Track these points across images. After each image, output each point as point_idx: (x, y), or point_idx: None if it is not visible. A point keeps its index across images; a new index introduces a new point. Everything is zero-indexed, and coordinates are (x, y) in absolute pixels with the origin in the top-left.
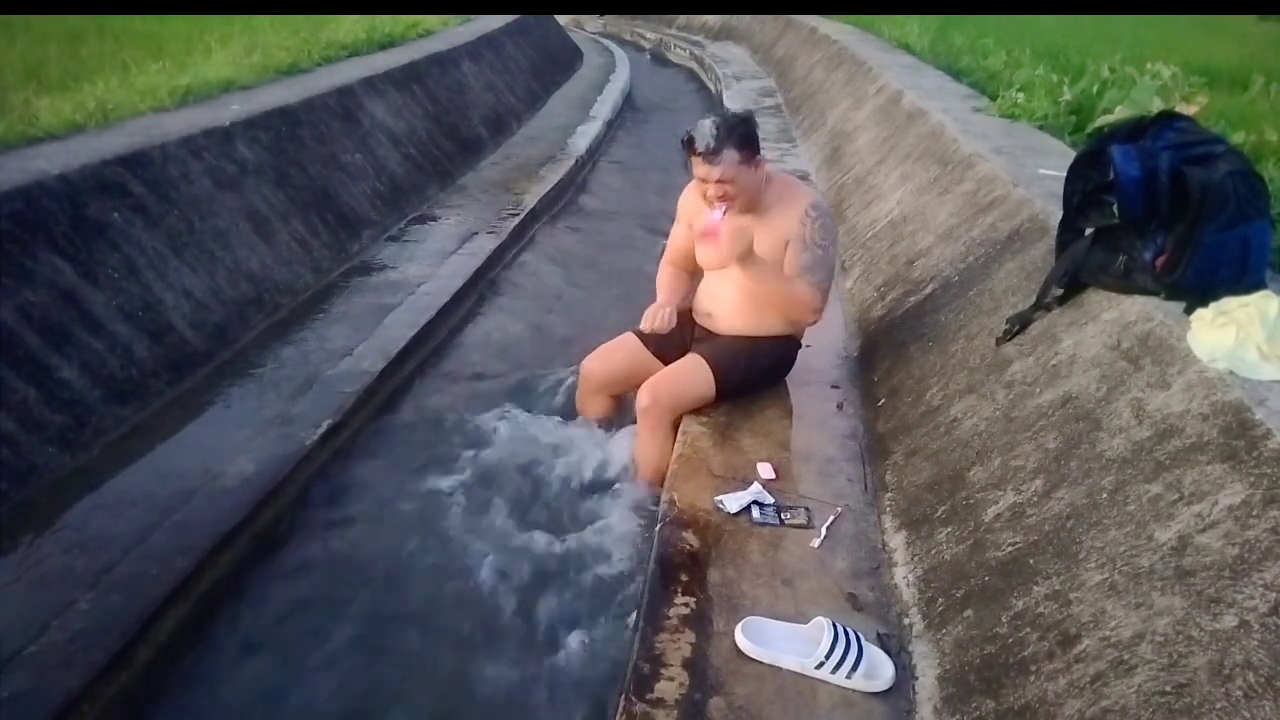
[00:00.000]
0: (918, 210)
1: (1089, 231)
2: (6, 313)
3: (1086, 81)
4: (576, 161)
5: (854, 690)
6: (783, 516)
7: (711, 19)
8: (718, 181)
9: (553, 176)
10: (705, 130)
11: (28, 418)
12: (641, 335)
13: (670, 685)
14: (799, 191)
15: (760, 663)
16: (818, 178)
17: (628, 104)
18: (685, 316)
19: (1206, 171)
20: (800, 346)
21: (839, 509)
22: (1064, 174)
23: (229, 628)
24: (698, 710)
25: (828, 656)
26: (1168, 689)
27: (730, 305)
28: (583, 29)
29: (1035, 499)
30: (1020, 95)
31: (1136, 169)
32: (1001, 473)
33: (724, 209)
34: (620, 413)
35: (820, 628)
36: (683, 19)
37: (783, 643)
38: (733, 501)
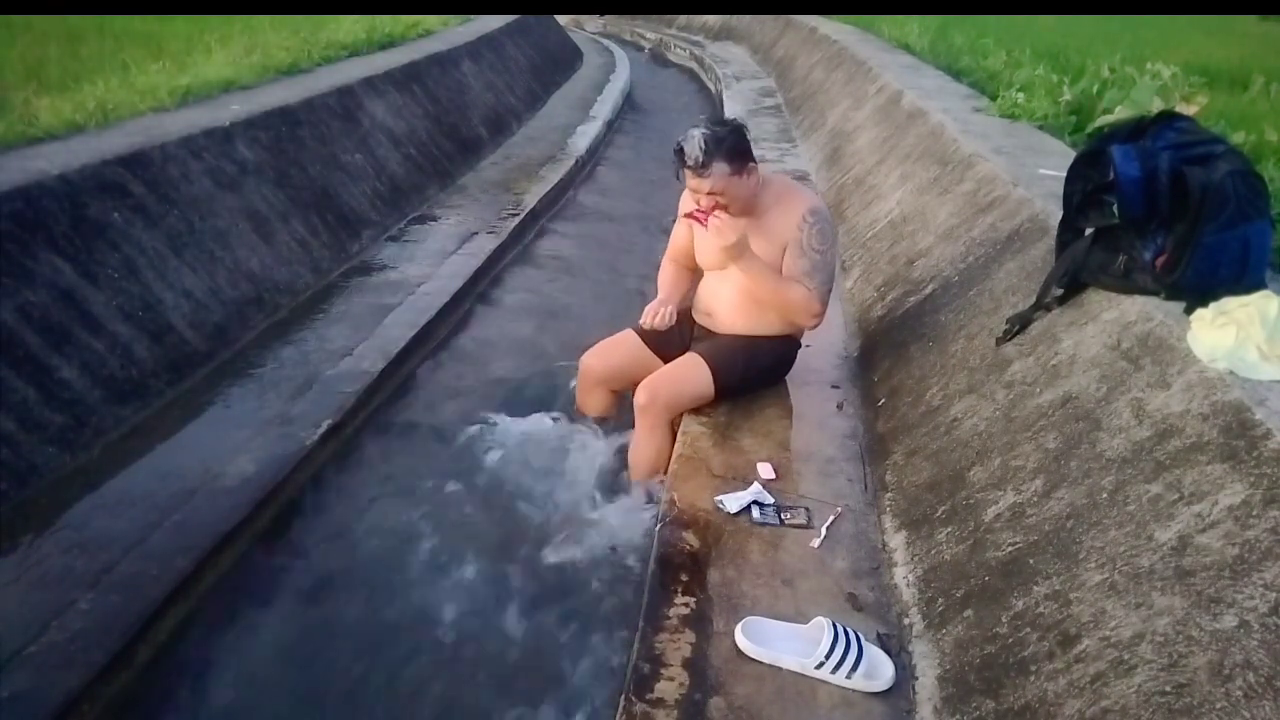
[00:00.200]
0: (918, 210)
1: (1089, 231)
2: (7, 313)
3: (1086, 81)
4: (576, 161)
5: (854, 690)
6: (783, 516)
7: (711, 19)
8: (709, 193)
9: (553, 176)
10: (694, 143)
11: (28, 418)
12: (641, 332)
13: (670, 685)
14: (797, 195)
15: (760, 663)
16: (818, 178)
17: (628, 104)
18: (685, 315)
19: (1206, 171)
20: (800, 346)
21: (839, 509)
22: (1064, 174)
23: (229, 627)
24: (698, 710)
25: (828, 656)
26: (1168, 689)
27: (730, 305)
28: (583, 29)
29: (1035, 499)
30: (1020, 95)
31: (1136, 169)
32: (1001, 473)
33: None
34: (620, 411)
35: (820, 628)
36: (683, 19)
37: (783, 643)
38: (733, 501)
